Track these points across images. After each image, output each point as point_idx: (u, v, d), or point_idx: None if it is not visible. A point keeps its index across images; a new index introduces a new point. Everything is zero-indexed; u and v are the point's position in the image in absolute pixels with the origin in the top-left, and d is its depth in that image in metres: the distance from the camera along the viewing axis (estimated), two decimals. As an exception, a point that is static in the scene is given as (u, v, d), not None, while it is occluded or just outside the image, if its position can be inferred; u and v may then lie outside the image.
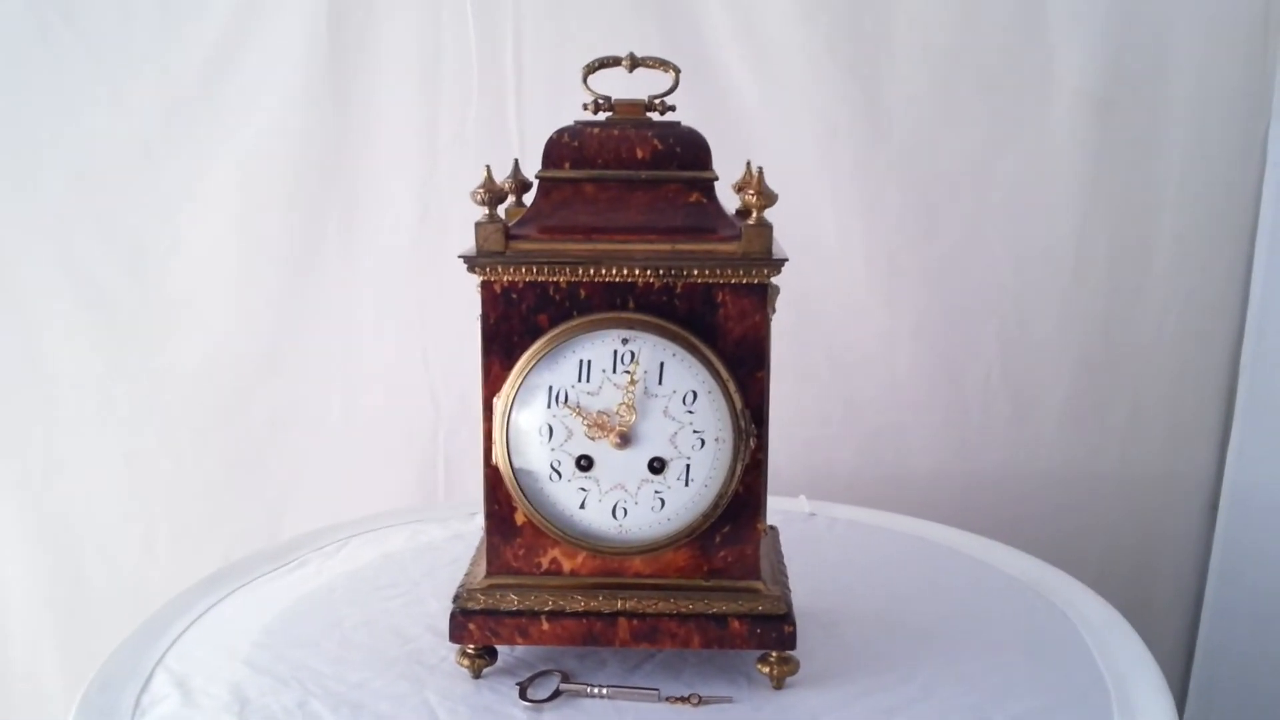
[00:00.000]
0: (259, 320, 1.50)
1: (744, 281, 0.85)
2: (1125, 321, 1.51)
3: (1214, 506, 1.54)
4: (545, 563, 0.89)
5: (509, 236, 0.85)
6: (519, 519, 0.89)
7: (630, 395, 0.85)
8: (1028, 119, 1.45)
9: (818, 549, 1.18)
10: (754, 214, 0.85)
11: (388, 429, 1.54)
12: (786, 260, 0.85)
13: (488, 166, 0.86)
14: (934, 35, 1.43)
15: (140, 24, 1.40)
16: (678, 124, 0.89)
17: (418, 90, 1.43)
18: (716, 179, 0.88)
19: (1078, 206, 1.48)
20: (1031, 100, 1.45)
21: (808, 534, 1.23)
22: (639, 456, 0.86)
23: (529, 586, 0.89)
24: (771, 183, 0.85)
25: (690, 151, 0.87)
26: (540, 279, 0.85)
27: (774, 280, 0.86)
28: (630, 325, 0.85)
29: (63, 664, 1.57)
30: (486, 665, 0.91)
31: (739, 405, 0.86)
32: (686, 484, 0.86)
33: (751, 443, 0.87)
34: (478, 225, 0.85)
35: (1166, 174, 1.47)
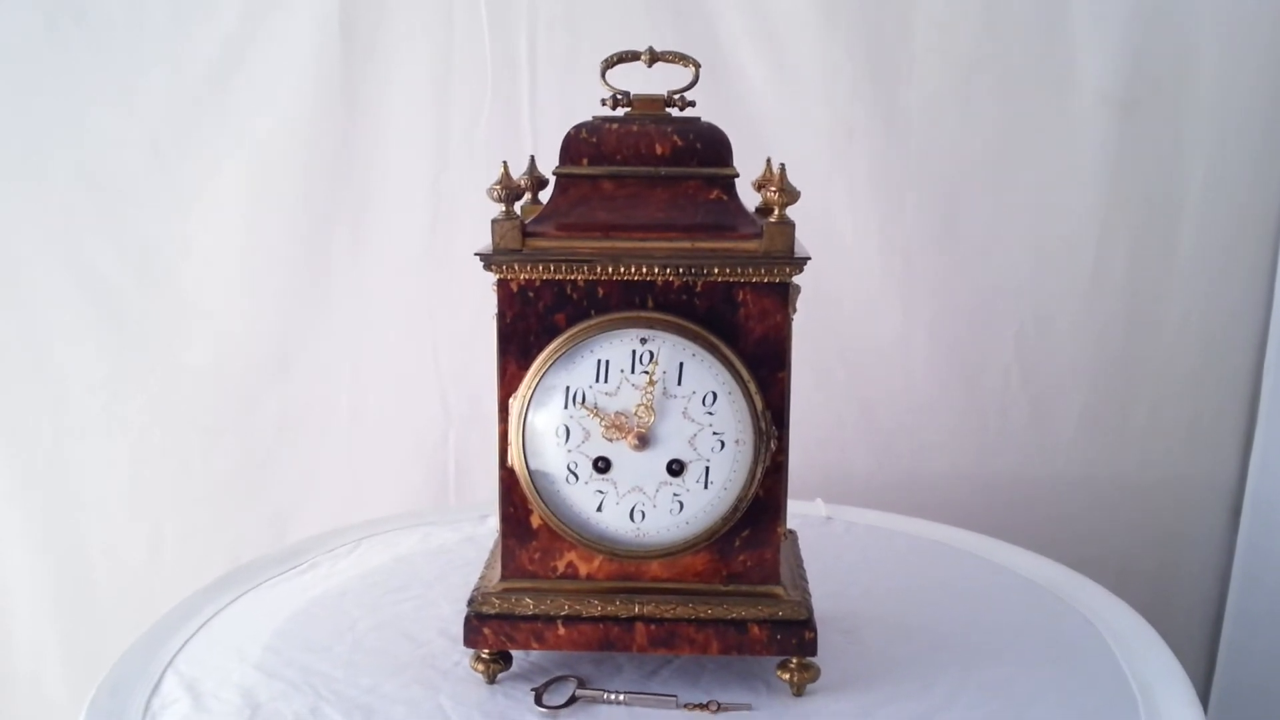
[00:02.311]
0: (268, 322, 1.49)
1: (765, 280, 0.83)
2: (1145, 324, 1.49)
3: (1237, 512, 1.52)
4: (561, 566, 0.88)
5: (526, 234, 0.84)
6: (535, 522, 0.87)
7: (649, 396, 0.84)
8: (1048, 120, 1.44)
9: (835, 553, 1.16)
10: (776, 211, 0.84)
11: (397, 431, 1.52)
12: (809, 259, 0.84)
13: (504, 163, 0.85)
14: (953, 34, 1.41)
15: (150, 24, 1.39)
16: (698, 120, 0.87)
17: (429, 90, 1.42)
18: (737, 176, 0.86)
19: (1098, 208, 1.46)
20: (1052, 101, 1.43)
21: (825, 538, 1.21)
22: (657, 458, 0.84)
23: (545, 590, 0.88)
24: (786, 181, 0.83)
25: (711, 148, 0.86)
26: (557, 277, 0.84)
27: (795, 279, 0.84)
28: (649, 325, 0.83)
29: (67, 666, 1.56)
30: (501, 670, 0.89)
31: (759, 406, 0.84)
32: (706, 486, 0.85)
33: (772, 445, 0.85)
34: (494, 222, 0.84)
35: (1188, 176, 1.46)
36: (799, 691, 0.87)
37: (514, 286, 0.84)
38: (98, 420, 1.50)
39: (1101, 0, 1.40)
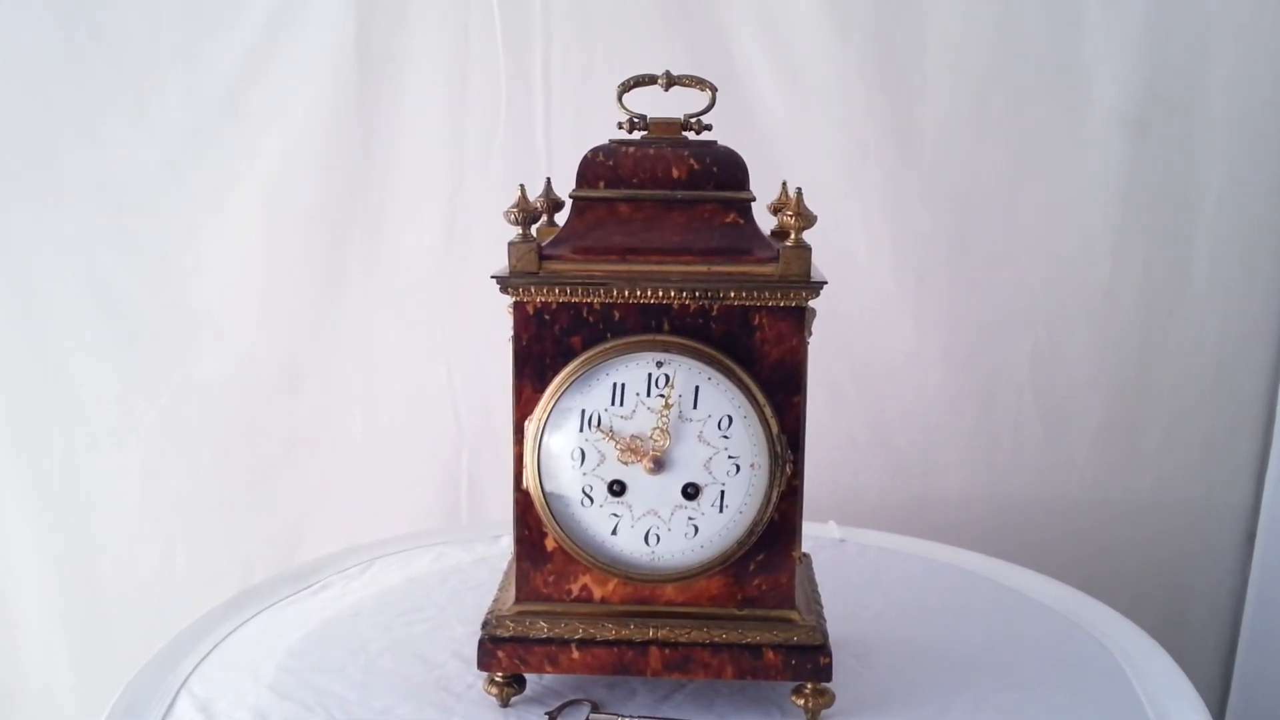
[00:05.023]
0: (281, 337, 1.49)
1: (782, 304, 0.83)
2: (1160, 343, 1.49)
3: (1252, 533, 1.51)
4: (575, 589, 0.88)
5: (542, 257, 0.84)
6: (549, 544, 0.87)
7: (664, 419, 0.83)
8: (1061, 139, 1.44)
9: (848, 576, 1.16)
10: (792, 235, 0.83)
11: (410, 448, 1.52)
12: (825, 283, 0.84)
13: (521, 185, 0.85)
14: (967, 54, 1.41)
15: (167, 40, 1.40)
16: (714, 143, 0.88)
17: (444, 107, 1.43)
18: (754, 199, 0.86)
19: (1111, 228, 1.46)
20: (1065, 120, 1.43)
21: (838, 560, 1.21)
22: (672, 482, 0.84)
23: (559, 614, 0.87)
24: (800, 201, 0.83)
25: (727, 171, 0.86)
26: (574, 300, 0.84)
27: (811, 303, 0.84)
28: (665, 348, 0.83)
29: (77, 680, 1.57)
30: (515, 694, 0.89)
31: (775, 430, 0.84)
32: (721, 510, 0.85)
33: (788, 469, 0.85)
34: (511, 245, 0.84)
35: (1202, 195, 1.45)
36: (814, 717, 0.87)
37: (530, 309, 0.84)
38: (110, 433, 1.51)
39: (1115, 19, 1.40)
